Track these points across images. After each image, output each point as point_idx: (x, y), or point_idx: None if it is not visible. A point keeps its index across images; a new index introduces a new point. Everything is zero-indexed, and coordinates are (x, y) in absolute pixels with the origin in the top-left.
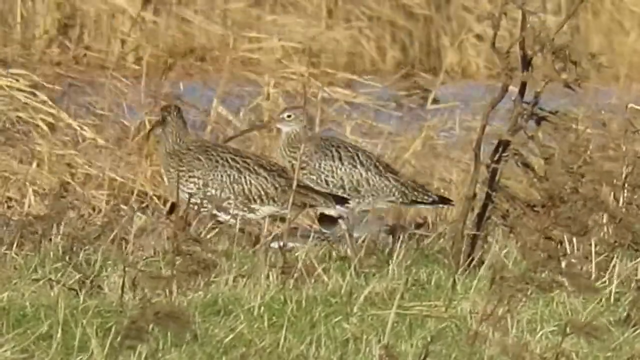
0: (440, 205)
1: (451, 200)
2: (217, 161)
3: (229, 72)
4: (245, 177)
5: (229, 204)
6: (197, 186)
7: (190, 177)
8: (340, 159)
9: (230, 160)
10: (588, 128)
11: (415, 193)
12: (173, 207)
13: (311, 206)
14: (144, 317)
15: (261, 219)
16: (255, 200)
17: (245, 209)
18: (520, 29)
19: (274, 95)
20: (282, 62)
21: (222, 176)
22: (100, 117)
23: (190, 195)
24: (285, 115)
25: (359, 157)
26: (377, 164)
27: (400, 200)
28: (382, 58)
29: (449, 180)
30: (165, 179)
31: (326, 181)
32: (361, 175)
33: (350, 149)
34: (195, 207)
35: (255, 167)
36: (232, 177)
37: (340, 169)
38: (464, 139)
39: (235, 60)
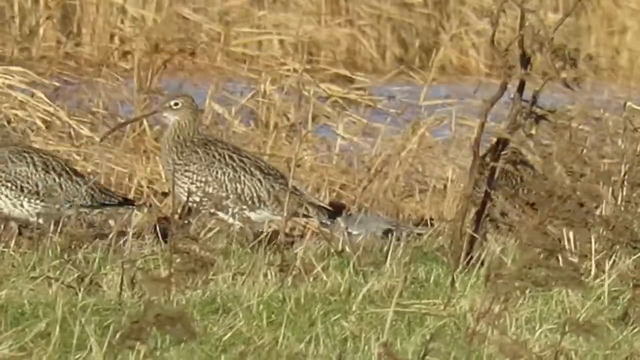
0: (127, 207)
1: (134, 201)
2: (214, 157)
3: (223, 69)
4: (240, 177)
5: (228, 202)
6: (191, 181)
7: (185, 170)
8: (34, 164)
9: (227, 158)
10: (583, 125)
11: (103, 196)
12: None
13: (304, 216)
14: (145, 318)
15: (258, 221)
16: (247, 202)
17: (240, 209)
18: (519, 27)
19: (270, 92)
20: (279, 59)
21: (217, 172)
22: (95, 114)
23: (189, 192)
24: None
25: (51, 163)
26: (67, 169)
27: (90, 203)
28: (382, 56)
29: (445, 178)
30: (163, 172)
31: (21, 187)
32: (55, 180)
33: (42, 154)
34: (195, 205)
35: (252, 169)
36: (227, 174)
37: (35, 175)
38: (459, 137)
39: (231, 57)
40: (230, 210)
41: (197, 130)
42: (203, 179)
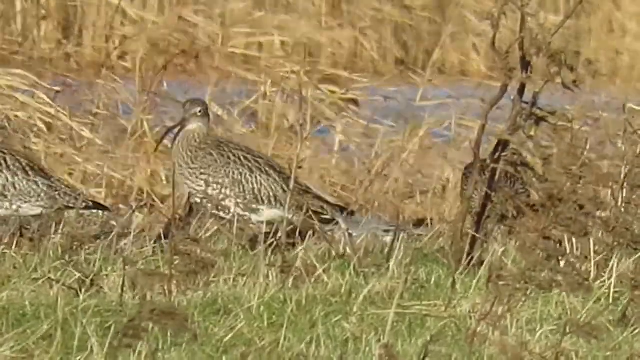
0: (95, 211)
1: (106, 207)
2: (229, 158)
3: (224, 70)
4: (256, 177)
5: (232, 202)
6: (207, 183)
7: (201, 173)
8: None
9: (242, 158)
10: (582, 126)
11: (67, 198)
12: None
13: (314, 212)
14: (142, 315)
15: (263, 222)
16: (263, 202)
17: (249, 210)
18: (519, 30)
19: (271, 94)
20: (280, 61)
21: (234, 173)
22: (97, 116)
23: (204, 194)
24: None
25: (6, 162)
26: (27, 168)
27: (50, 205)
28: (383, 58)
29: (445, 180)
30: (177, 174)
31: None
32: (7, 179)
33: None
34: (203, 205)
35: (266, 168)
36: (244, 175)
37: None
38: (460, 138)
39: (232, 59)
40: (234, 210)
41: (209, 133)
42: (220, 181)
